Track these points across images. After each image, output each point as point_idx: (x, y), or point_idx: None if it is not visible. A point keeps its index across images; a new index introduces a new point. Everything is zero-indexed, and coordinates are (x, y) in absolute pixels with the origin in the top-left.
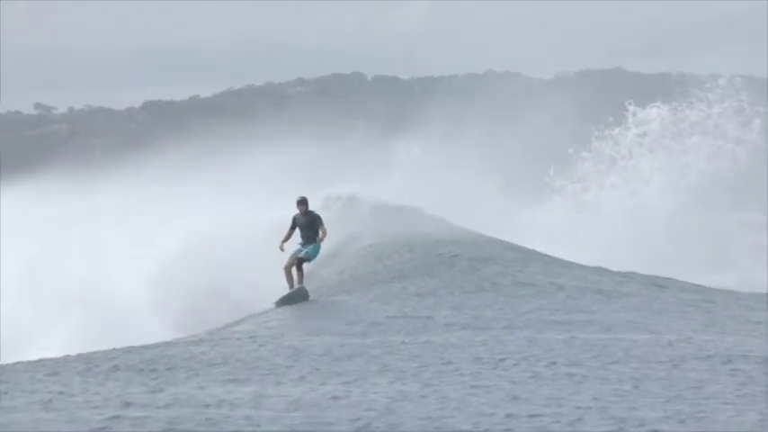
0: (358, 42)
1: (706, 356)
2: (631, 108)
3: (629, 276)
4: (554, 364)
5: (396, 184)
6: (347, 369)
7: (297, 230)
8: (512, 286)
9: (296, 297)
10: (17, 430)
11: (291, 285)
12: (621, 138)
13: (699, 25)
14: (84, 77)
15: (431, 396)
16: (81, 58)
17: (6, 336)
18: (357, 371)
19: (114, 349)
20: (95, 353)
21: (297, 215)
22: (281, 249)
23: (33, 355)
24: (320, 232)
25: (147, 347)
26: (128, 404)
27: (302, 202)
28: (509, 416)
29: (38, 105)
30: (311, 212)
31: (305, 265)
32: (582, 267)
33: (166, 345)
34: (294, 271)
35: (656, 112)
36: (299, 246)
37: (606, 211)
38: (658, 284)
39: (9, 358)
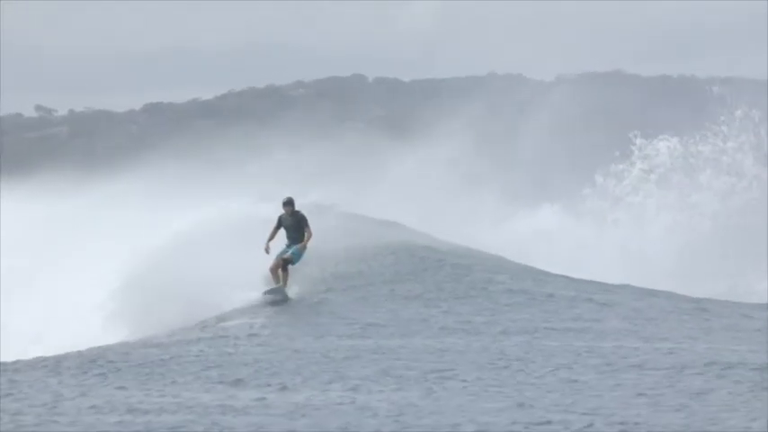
0: (359, 44)
1: (706, 364)
2: (638, 141)
3: (621, 288)
4: (556, 370)
5: (383, 198)
6: (348, 373)
7: (283, 231)
8: (501, 293)
9: (280, 294)
10: None
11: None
12: (627, 173)
13: (700, 28)
14: (84, 80)
15: (435, 402)
16: (81, 61)
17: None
18: (358, 375)
19: (110, 347)
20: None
21: (283, 215)
22: (266, 251)
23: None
24: (306, 234)
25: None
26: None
27: (288, 203)
28: (515, 422)
29: (38, 108)
30: (297, 213)
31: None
32: (569, 278)
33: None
34: (280, 272)
35: (664, 146)
36: (284, 246)
37: (607, 248)
38: (652, 294)
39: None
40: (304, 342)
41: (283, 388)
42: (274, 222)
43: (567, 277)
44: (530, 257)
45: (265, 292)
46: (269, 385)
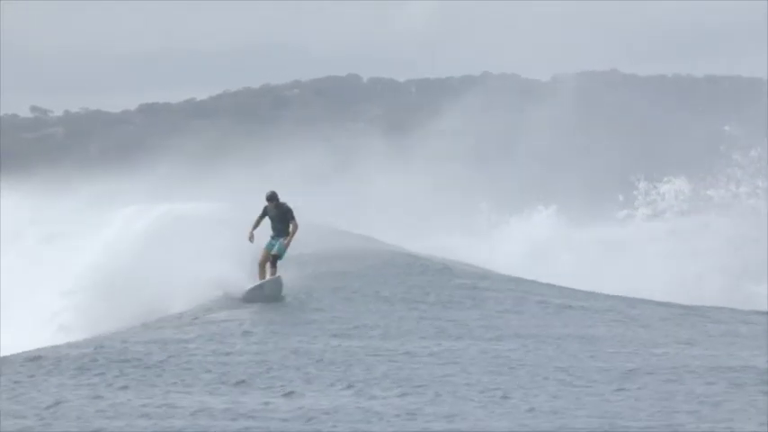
0: (355, 44)
1: (707, 369)
2: (641, 185)
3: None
4: (562, 374)
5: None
6: (346, 376)
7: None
8: (487, 299)
9: (269, 288)
10: None
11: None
12: (629, 220)
13: (699, 28)
14: (80, 80)
15: (443, 407)
16: (77, 61)
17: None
18: (358, 378)
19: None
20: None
21: (267, 206)
22: (250, 240)
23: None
24: (291, 226)
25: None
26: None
27: (271, 198)
28: (524, 426)
29: (34, 108)
30: (282, 205)
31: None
32: (551, 286)
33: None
34: (268, 267)
35: (669, 189)
36: (270, 239)
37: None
38: (631, 304)
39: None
40: (300, 343)
41: (290, 393)
42: (259, 212)
43: (547, 284)
44: (523, 267)
45: (246, 293)
46: (271, 387)
